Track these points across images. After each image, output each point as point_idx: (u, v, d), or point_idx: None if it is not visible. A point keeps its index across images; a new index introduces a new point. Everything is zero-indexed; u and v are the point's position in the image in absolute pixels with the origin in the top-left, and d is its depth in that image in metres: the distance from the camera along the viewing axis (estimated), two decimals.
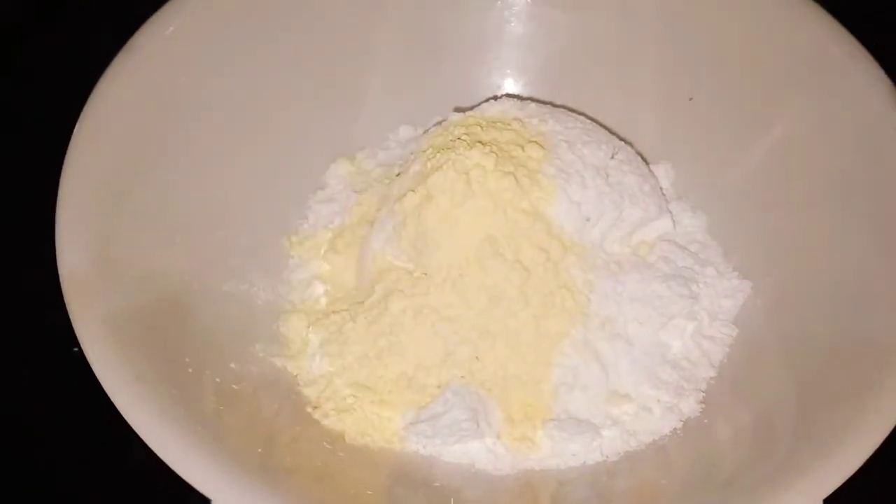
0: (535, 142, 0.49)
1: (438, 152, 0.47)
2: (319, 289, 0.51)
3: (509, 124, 0.49)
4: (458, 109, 0.53)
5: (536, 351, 0.46)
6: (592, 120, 0.54)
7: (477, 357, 0.45)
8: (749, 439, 0.44)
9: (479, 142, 0.47)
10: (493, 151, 0.46)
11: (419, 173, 0.47)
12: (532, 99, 0.55)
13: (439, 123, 0.53)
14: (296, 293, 0.51)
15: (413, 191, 0.46)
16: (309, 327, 0.48)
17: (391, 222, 0.47)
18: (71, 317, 0.40)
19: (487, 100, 0.53)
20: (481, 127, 0.49)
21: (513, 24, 0.58)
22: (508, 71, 0.59)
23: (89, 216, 0.43)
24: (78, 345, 0.39)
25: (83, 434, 0.49)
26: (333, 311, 0.49)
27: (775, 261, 0.50)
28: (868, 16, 0.54)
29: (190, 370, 0.42)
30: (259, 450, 0.40)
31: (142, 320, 0.42)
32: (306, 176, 0.56)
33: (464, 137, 0.48)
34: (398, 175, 0.51)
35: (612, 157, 0.50)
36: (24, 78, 0.64)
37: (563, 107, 0.55)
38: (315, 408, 0.45)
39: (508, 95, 0.55)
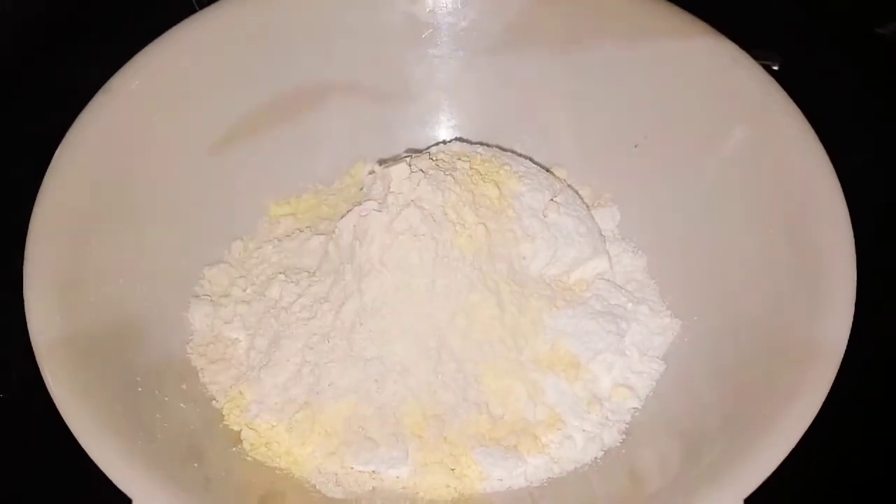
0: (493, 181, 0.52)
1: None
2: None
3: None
4: (409, 150, 0.56)
5: (477, 378, 0.49)
6: (538, 165, 0.57)
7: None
8: (670, 463, 0.46)
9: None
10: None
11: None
12: (481, 143, 0.58)
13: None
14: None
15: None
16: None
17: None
18: (31, 338, 0.43)
19: (437, 143, 0.56)
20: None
21: (471, 72, 0.61)
22: (462, 117, 0.62)
23: (59, 244, 0.47)
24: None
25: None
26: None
27: (706, 301, 0.52)
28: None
29: (139, 389, 0.45)
30: (195, 464, 0.43)
31: (98, 342, 0.45)
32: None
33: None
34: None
35: (552, 200, 0.53)
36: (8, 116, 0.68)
37: (511, 151, 0.58)
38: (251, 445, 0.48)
39: (458, 139, 0.59)
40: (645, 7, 0.57)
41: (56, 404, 0.41)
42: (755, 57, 0.55)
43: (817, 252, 0.46)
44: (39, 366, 0.42)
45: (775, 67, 0.66)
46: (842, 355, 0.42)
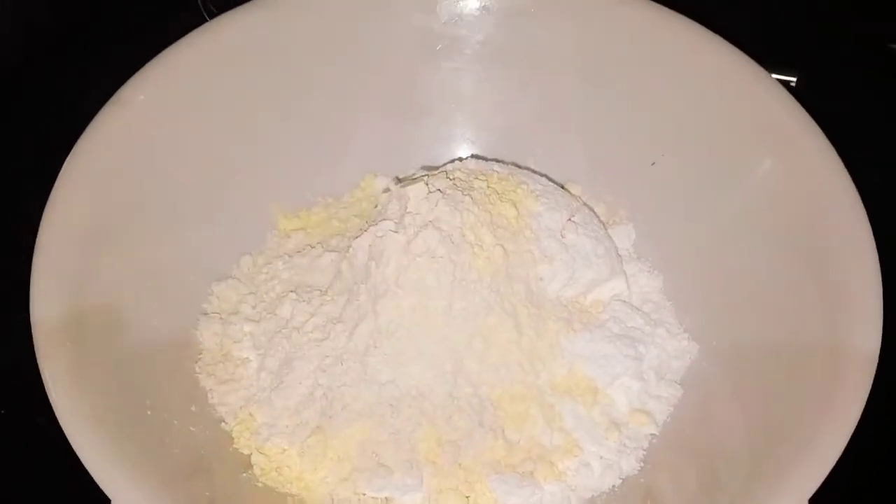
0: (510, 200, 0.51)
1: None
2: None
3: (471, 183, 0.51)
4: (424, 167, 0.55)
5: (493, 402, 0.48)
6: (554, 182, 0.56)
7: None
8: (690, 493, 0.45)
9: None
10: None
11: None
12: (497, 160, 0.57)
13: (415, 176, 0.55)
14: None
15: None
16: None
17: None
18: (38, 357, 0.42)
19: (453, 160, 0.55)
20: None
21: (486, 86, 0.60)
22: (477, 131, 0.61)
23: (65, 261, 0.45)
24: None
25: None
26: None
27: (724, 323, 0.51)
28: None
29: (149, 412, 0.44)
30: (206, 493, 0.42)
31: (105, 361, 0.44)
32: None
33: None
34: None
35: (569, 220, 0.52)
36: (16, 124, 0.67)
37: (527, 168, 0.57)
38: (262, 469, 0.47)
39: (474, 156, 0.58)
40: (662, 23, 0.56)
41: (62, 426, 0.40)
42: (772, 73, 0.54)
43: (841, 270, 0.46)
44: (45, 387, 0.41)
45: (793, 84, 0.66)
46: (874, 371, 0.41)
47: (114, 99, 0.51)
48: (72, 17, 0.74)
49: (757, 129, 0.52)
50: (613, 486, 0.47)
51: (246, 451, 0.47)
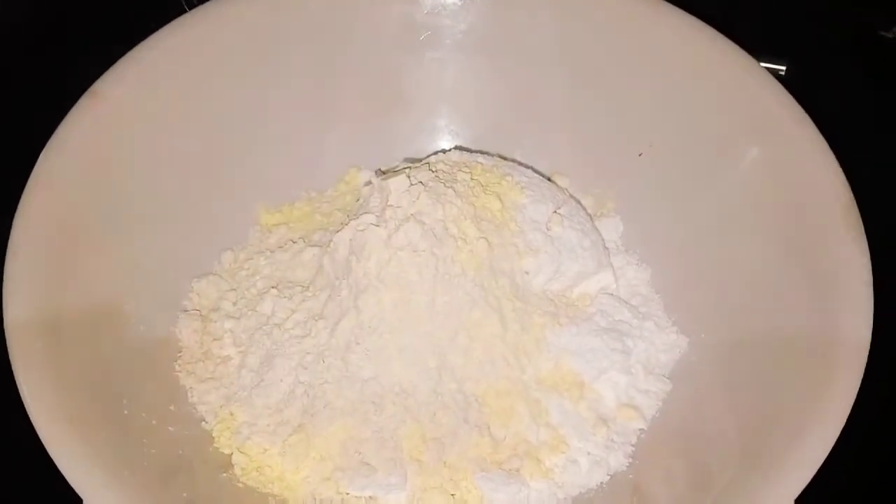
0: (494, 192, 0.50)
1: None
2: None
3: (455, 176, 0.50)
4: (407, 159, 0.54)
5: (478, 398, 0.47)
6: (540, 174, 0.55)
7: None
8: (680, 489, 0.45)
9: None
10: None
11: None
12: (482, 152, 0.56)
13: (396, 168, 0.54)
14: None
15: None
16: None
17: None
18: (10, 355, 0.41)
19: (437, 152, 0.54)
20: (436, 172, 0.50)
21: (470, 76, 0.59)
22: (461, 123, 0.60)
23: (40, 257, 0.45)
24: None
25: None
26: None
27: (713, 316, 0.51)
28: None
29: (126, 412, 0.43)
30: (184, 494, 0.41)
31: (81, 361, 0.43)
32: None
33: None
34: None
35: (555, 212, 0.51)
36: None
37: (513, 160, 0.56)
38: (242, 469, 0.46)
39: (458, 148, 0.57)
40: (648, 11, 0.55)
41: (35, 428, 0.39)
42: (761, 62, 0.53)
43: (831, 262, 0.45)
44: (18, 386, 0.40)
45: (782, 72, 0.65)
46: (864, 364, 0.41)
47: (89, 92, 0.50)
48: (57, 14, 0.73)
49: (745, 118, 0.52)
50: (601, 482, 0.46)
51: (226, 451, 0.46)
